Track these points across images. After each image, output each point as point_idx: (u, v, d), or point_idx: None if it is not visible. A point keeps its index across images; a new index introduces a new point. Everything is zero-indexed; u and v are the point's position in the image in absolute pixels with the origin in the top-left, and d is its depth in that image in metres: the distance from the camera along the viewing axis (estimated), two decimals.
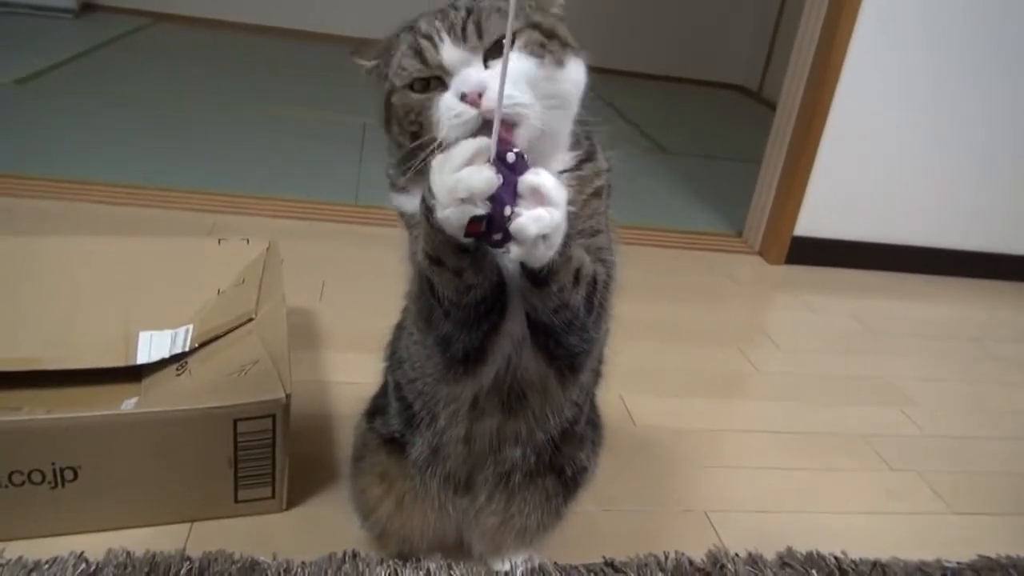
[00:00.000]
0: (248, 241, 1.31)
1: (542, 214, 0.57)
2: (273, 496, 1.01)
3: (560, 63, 0.66)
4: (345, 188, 2.15)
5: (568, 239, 0.61)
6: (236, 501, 0.99)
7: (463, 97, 0.62)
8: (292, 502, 1.03)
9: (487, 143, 0.57)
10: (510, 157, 0.57)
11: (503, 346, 0.72)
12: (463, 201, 0.56)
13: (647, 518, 1.13)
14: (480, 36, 0.64)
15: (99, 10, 3.97)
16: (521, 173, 0.57)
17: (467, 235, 0.58)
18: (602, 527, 1.09)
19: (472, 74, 0.63)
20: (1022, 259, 2.33)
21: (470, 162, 0.57)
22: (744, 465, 1.29)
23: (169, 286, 1.24)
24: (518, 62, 0.63)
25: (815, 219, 2.17)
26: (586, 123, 0.73)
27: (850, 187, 2.16)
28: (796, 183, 2.12)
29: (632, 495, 1.17)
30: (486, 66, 0.64)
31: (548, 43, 0.66)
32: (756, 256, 2.23)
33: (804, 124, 2.08)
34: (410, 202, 0.71)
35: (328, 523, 1.01)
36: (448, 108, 0.63)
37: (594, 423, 0.93)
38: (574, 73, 0.68)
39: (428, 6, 0.68)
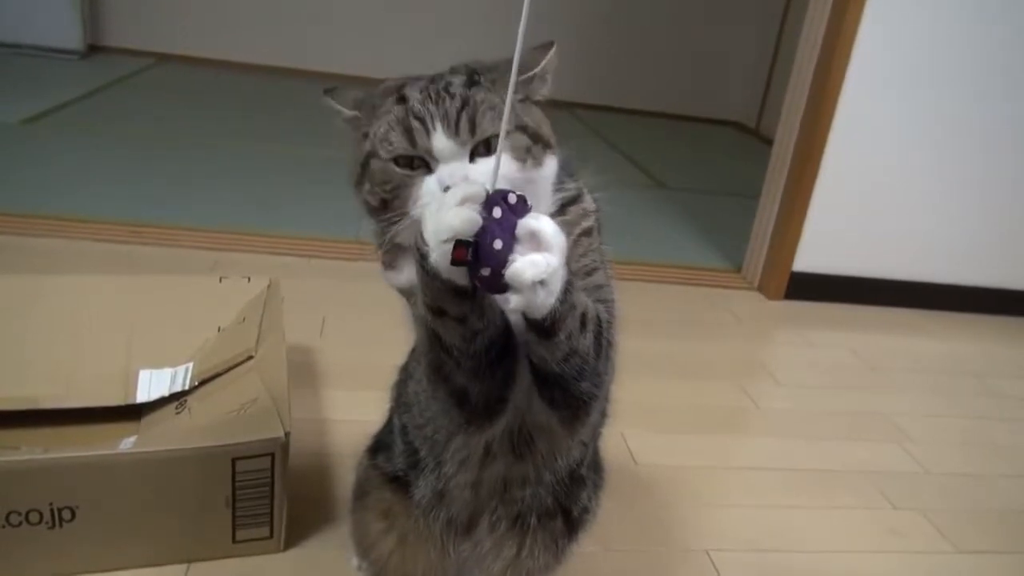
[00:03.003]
0: (249, 279, 1.32)
1: (538, 259, 0.56)
2: (271, 536, 1.00)
3: (540, 164, 0.68)
4: (346, 224, 2.16)
5: (570, 286, 0.60)
6: (234, 541, 0.98)
7: (446, 189, 0.62)
8: (290, 542, 1.03)
9: (479, 190, 0.57)
10: (511, 198, 0.57)
11: (516, 393, 0.72)
12: (445, 243, 0.56)
13: (649, 558, 1.12)
14: (472, 132, 0.65)
15: (105, 51, 4.04)
16: (522, 217, 0.57)
17: (453, 262, 0.56)
18: (604, 568, 1.08)
19: (458, 170, 0.65)
20: (1021, 294, 2.33)
21: (470, 200, 0.57)
22: (745, 503, 1.29)
23: (170, 324, 1.24)
24: (502, 166, 0.62)
25: (814, 254, 2.18)
26: (567, 168, 0.73)
27: (848, 222, 2.18)
28: (794, 219, 2.14)
29: (633, 534, 1.16)
30: (472, 158, 0.66)
31: (533, 147, 0.68)
32: (755, 292, 2.24)
33: (801, 160, 2.11)
34: (398, 277, 0.72)
35: (326, 564, 1.00)
36: (430, 194, 0.65)
37: (596, 465, 0.92)
38: (548, 170, 0.70)
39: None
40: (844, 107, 2.04)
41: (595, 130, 3.96)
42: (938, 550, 1.24)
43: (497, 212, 0.56)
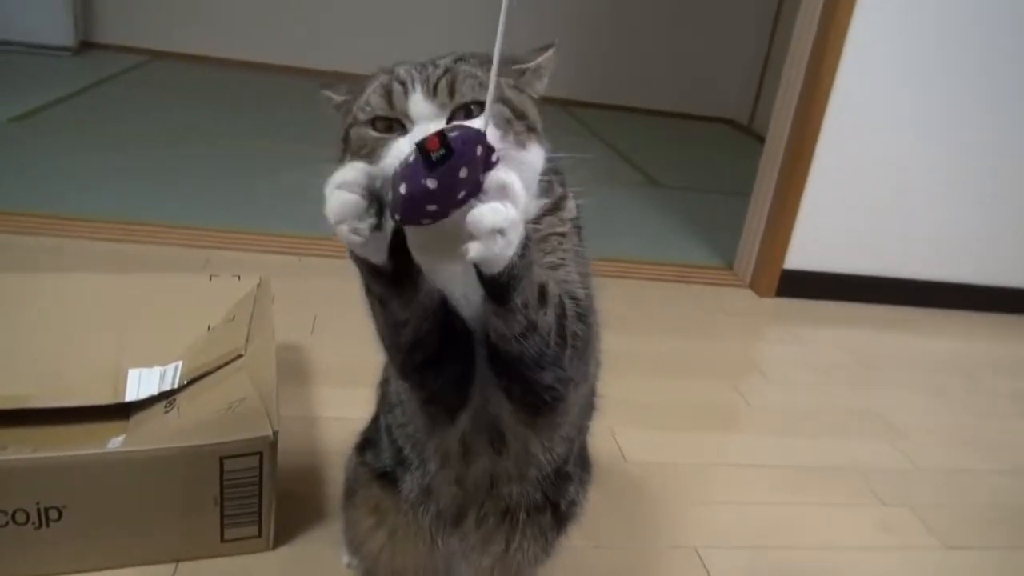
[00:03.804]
0: (239, 277, 1.32)
1: (499, 207, 0.55)
2: (260, 535, 1.00)
3: (521, 144, 0.67)
4: None
5: (527, 246, 0.60)
6: (222, 540, 0.98)
7: None
8: (279, 541, 1.02)
9: (363, 170, 0.60)
10: (491, 147, 0.56)
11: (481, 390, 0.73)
12: (338, 224, 0.59)
13: (637, 554, 1.12)
14: (451, 96, 0.64)
15: (97, 48, 4.02)
16: (489, 169, 0.56)
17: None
18: (593, 564, 1.08)
19: (431, 130, 0.64)
20: (1014, 292, 2.34)
21: (342, 185, 0.59)
22: (734, 500, 1.29)
23: (159, 322, 1.24)
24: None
25: (805, 252, 2.18)
26: (557, 172, 0.73)
27: (839, 220, 2.18)
28: (785, 216, 2.14)
29: (622, 531, 1.16)
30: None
31: (515, 122, 0.66)
32: (747, 289, 2.24)
33: (792, 157, 2.11)
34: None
35: (315, 562, 1.00)
36: (399, 153, 0.62)
37: (584, 462, 0.92)
38: (533, 157, 0.68)
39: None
40: (835, 105, 2.04)
41: (589, 127, 3.96)
42: (927, 546, 1.24)
43: (478, 151, 0.55)
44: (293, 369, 1.43)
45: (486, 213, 0.55)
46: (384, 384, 0.89)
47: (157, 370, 1.16)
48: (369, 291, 0.65)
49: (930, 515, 1.31)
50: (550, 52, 0.71)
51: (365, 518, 0.87)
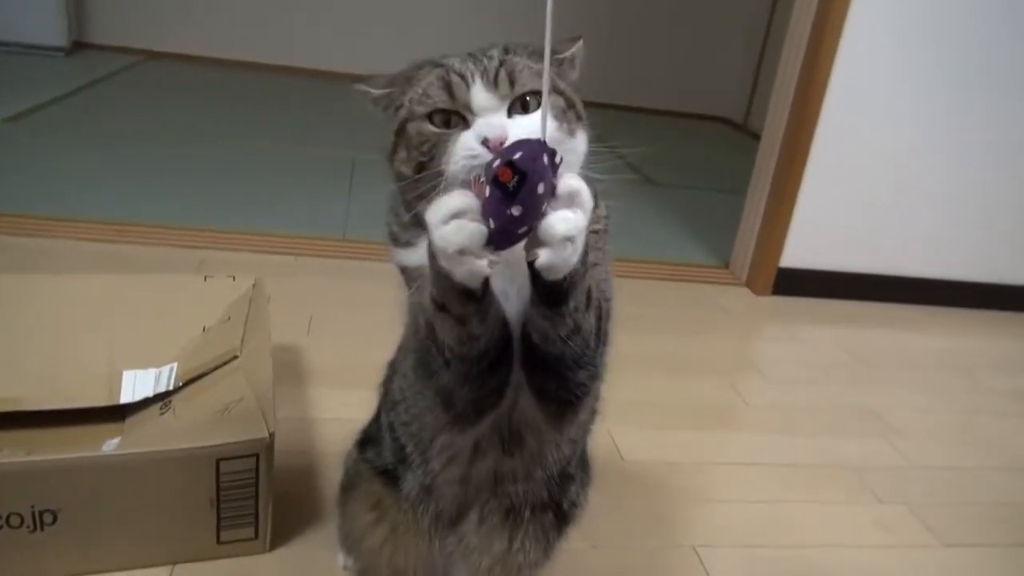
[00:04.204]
0: (234, 278, 1.31)
1: (569, 215, 0.56)
2: (256, 537, 1.00)
3: (572, 133, 0.68)
4: (333, 223, 2.16)
5: (587, 252, 0.61)
6: (219, 542, 0.98)
7: (484, 141, 0.62)
8: (276, 543, 1.02)
9: (470, 196, 0.56)
10: (556, 156, 0.56)
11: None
12: (458, 255, 0.56)
13: (636, 554, 1.12)
14: (511, 86, 0.65)
15: (90, 48, 4.01)
16: (554, 166, 0.56)
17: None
18: (591, 564, 1.08)
19: (497, 121, 0.64)
20: (1012, 288, 2.34)
21: (458, 214, 0.56)
22: (732, 498, 1.29)
23: (154, 324, 1.23)
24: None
25: (801, 250, 2.18)
26: (595, 178, 0.73)
27: (835, 218, 2.18)
28: (781, 214, 2.14)
29: (621, 531, 1.16)
30: (509, 116, 0.65)
31: (567, 111, 0.68)
32: (743, 287, 2.24)
33: (788, 155, 2.11)
34: (413, 255, 0.71)
35: (313, 564, 1.00)
36: (466, 147, 0.63)
37: (584, 463, 0.92)
38: (580, 144, 0.70)
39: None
40: (831, 103, 2.04)
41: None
42: (925, 544, 1.24)
43: (545, 160, 0.55)
44: (289, 370, 1.43)
45: (559, 222, 0.56)
46: (387, 382, 0.88)
47: (152, 372, 1.16)
48: (444, 310, 0.62)
49: (927, 513, 1.31)
50: (580, 43, 0.73)
51: (365, 513, 0.87)
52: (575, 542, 0.94)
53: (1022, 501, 1.40)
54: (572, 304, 0.62)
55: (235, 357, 1.14)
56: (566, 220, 0.56)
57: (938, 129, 2.13)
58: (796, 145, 2.08)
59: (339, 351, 1.50)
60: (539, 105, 0.63)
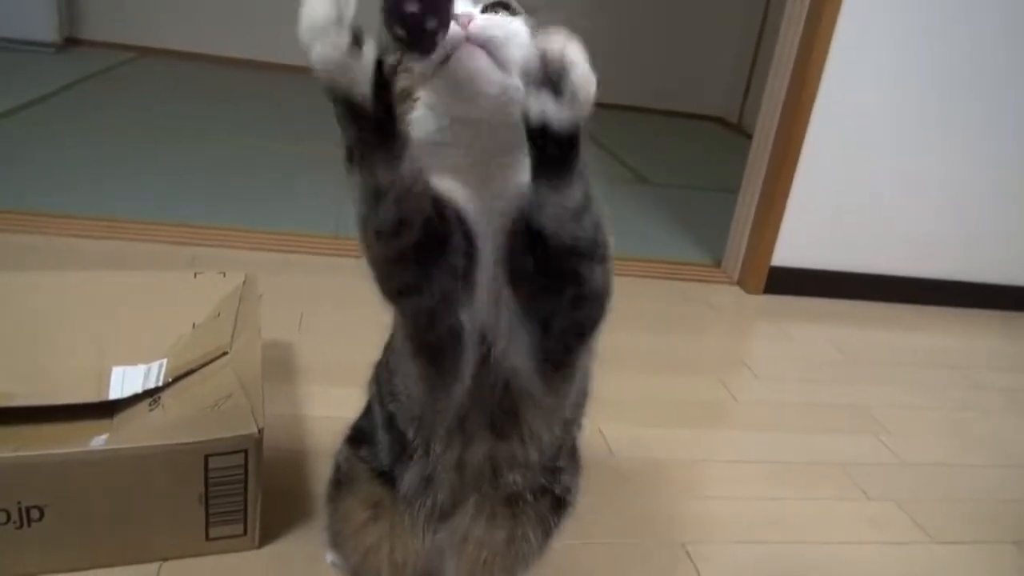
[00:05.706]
0: (224, 274, 1.31)
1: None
2: (245, 533, 0.99)
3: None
4: (324, 220, 2.15)
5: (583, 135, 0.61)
6: (207, 539, 0.97)
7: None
8: (265, 539, 1.02)
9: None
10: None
11: (475, 327, 0.71)
12: (312, 40, 0.56)
13: (627, 551, 1.12)
14: None
15: (81, 44, 3.99)
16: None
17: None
18: (582, 560, 1.08)
19: (465, 7, 0.64)
20: (1003, 288, 2.36)
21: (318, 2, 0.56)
22: (723, 495, 1.29)
23: (144, 320, 1.23)
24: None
25: (792, 249, 2.19)
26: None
27: (827, 217, 2.19)
28: (773, 213, 2.15)
29: (612, 528, 1.16)
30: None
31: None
32: (735, 286, 2.24)
33: (780, 154, 2.11)
34: None
35: (301, 561, 0.99)
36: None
37: (573, 455, 0.92)
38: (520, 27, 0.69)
39: None
40: (823, 102, 2.05)
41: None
42: (914, 540, 1.25)
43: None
44: (279, 367, 1.42)
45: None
46: (382, 367, 0.86)
47: (141, 368, 1.15)
48: (351, 158, 0.61)
49: (917, 509, 1.32)
50: None
51: (360, 511, 0.86)
52: (566, 538, 0.94)
53: (1012, 498, 1.40)
54: (579, 165, 0.62)
55: (225, 353, 1.14)
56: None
57: (929, 128, 2.14)
58: (787, 144, 2.09)
59: (330, 348, 1.49)
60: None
